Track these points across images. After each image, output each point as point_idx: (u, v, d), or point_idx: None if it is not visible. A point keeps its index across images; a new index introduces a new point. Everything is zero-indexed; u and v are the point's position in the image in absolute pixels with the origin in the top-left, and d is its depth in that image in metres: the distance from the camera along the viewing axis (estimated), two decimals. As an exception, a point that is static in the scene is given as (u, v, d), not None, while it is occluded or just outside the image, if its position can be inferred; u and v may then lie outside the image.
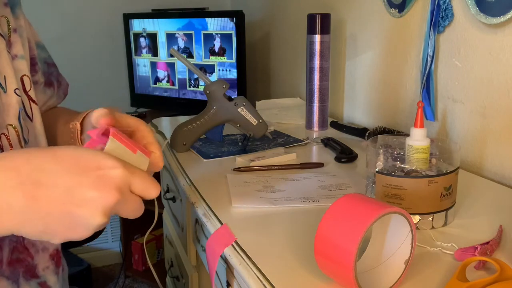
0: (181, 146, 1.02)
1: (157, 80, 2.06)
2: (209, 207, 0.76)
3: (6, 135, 0.58)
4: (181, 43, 1.94)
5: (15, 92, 0.60)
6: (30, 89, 0.64)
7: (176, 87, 2.01)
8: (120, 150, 0.49)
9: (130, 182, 0.45)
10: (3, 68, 0.59)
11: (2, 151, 0.57)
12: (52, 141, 0.71)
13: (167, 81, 2.03)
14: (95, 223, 0.42)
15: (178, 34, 1.94)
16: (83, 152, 0.44)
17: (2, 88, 0.59)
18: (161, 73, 2.03)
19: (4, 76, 0.60)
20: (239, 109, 0.99)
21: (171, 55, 1.96)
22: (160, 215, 1.37)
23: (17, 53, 0.64)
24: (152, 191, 0.46)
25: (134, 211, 0.46)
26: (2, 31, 0.61)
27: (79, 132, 0.64)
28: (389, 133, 1.06)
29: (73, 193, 0.42)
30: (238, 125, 1.01)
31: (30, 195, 0.41)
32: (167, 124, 1.33)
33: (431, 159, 0.70)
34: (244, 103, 1.00)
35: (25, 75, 0.64)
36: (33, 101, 0.65)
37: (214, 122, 1.01)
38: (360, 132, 1.13)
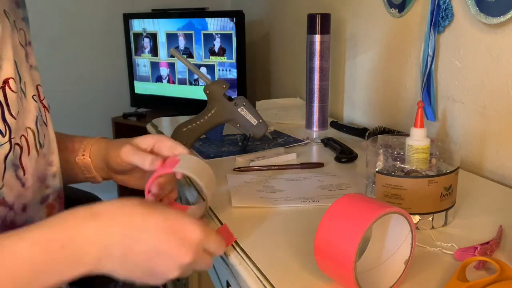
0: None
1: (159, 78, 2.06)
2: (209, 207, 0.76)
3: (25, 137, 0.61)
4: (181, 43, 1.94)
5: (33, 98, 0.64)
6: (43, 98, 0.68)
7: (176, 87, 2.01)
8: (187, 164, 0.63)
9: (205, 244, 0.52)
10: (23, 75, 0.63)
11: (22, 150, 0.60)
12: None
13: (168, 80, 2.03)
14: (169, 277, 0.51)
15: (178, 34, 1.94)
16: (172, 215, 0.52)
17: (23, 93, 0.62)
18: (164, 70, 2.03)
19: (24, 83, 0.63)
20: (239, 109, 0.99)
21: (172, 55, 1.96)
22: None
23: (32, 63, 0.67)
24: (221, 251, 0.56)
25: (205, 266, 0.55)
26: (22, 42, 0.66)
27: (91, 165, 0.74)
28: (389, 133, 1.06)
29: (159, 250, 0.49)
30: (238, 125, 1.01)
31: (127, 247, 0.49)
32: (167, 124, 1.33)
33: (431, 159, 0.70)
34: (244, 103, 1.00)
35: (39, 84, 0.68)
36: (47, 109, 0.68)
37: (214, 122, 1.01)
38: (360, 132, 1.13)
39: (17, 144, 0.59)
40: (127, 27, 2.08)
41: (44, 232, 0.47)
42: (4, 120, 0.57)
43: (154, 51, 2.03)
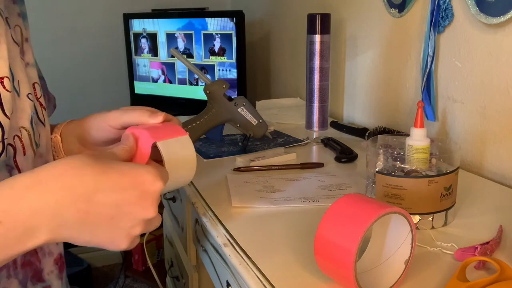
0: None
1: (153, 80, 2.06)
2: (209, 207, 0.76)
3: (19, 137, 0.60)
4: (181, 43, 1.94)
5: (27, 97, 0.62)
6: (41, 96, 0.67)
7: (176, 87, 2.01)
8: (169, 147, 0.55)
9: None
10: (16, 74, 0.62)
11: (15, 153, 0.58)
12: None
13: (164, 81, 2.03)
14: (134, 234, 0.48)
15: (178, 34, 1.94)
16: (128, 169, 0.48)
17: (17, 92, 0.61)
18: (155, 72, 2.03)
19: (18, 81, 0.62)
20: (239, 109, 0.99)
21: (172, 55, 1.96)
22: (160, 215, 1.37)
23: (29, 61, 0.66)
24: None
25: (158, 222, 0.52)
26: (16, 39, 0.64)
27: (60, 144, 0.69)
28: (389, 133, 1.06)
29: (120, 208, 0.46)
30: (238, 125, 1.01)
31: (82, 211, 0.45)
32: (167, 124, 1.33)
33: (431, 159, 0.70)
34: (244, 103, 1.00)
35: (36, 82, 0.66)
36: (44, 108, 0.67)
37: (214, 122, 1.01)
38: (360, 132, 1.13)
39: (10, 144, 0.58)
40: (127, 27, 2.08)
41: None
42: None
43: (154, 51, 2.03)
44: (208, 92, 0.99)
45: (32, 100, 0.63)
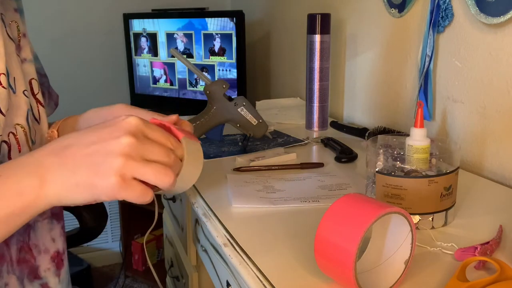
0: None
1: (155, 80, 2.06)
2: (209, 207, 0.76)
3: (14, 134, 0.60)
4: (181, 43, 1.94)
5: (23, 93, 0.62)
6: (38, 92, 0.66)
7: (176, 87, 2.01)
8: (190, 145, 0.55)
9: (147, 130, 0.49)
10: (12, 70, 0.61)
11: (10, 149, 0.58)
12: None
13: (165, 81, 2.03)
14: (115, 165, 0.46)
15: (178, 34, 1.94)
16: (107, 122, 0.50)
17: (12, 88, 0.60)
18: (157, 71, 2.03)
19: (14, 78, 0.61)
20: (239, 109, 0.99)
21: (172, 55, 1.96)
22: (160, 215, 1.37)
23: (26, 57, 0.66)
24: (170, 141, 0.51)
25: (163, 154, 0.49)
26: (12, 35, 0.63)
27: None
28: (389, 133, 1.06)
29: (95, 145, 0.47)
30: (238, 125, 1.01)
31: (60, 155, 0.47)
32: (167, 124, 1.33)
33: (431, 159, 0.70)
34: (244, 103, 1.00)
35: (33, 78, 0.66)
36: (41, 104, 0.67)
37: (214, 122, 1.01)
38: (360, 132, 1.13)
39: (5, 141, 0.58)
40: (127, 27, 2.08)
41: None
42: None
43: (154, 51, 2.03)
44: (208, 92, 0.99)
45: (27, 97, 0.63)
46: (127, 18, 2.07)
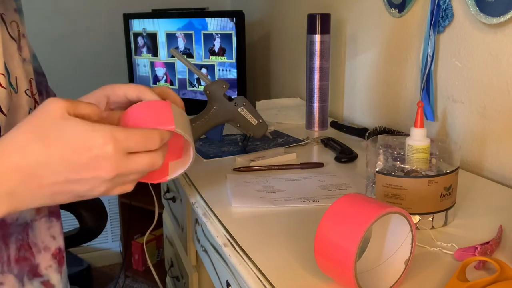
0: None
1: (156, 79, 2.06)
2: (209, 207, 0.76)
3: None
4: (181, 43, 1.94)
5: (25, 93, 0.62)
6: (36, 93, 0.66)
7: (176, 87, 2.01)
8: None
9: (127, 148, 0.46)
10: (14, 69, 0.61)
11: None
12: None
13: (165, 81, 2.03)
14: (99, 194, 0.47)
15: (178, 34, 1.94)
16: (73, 134, 0.45)
17: (13, 88, 0.60)
18: (160, 70, 2.03)
19: (16, 77, 0.61)
20: (239, 109, 0.99)
21: (172, 55, 1.96)
22: (160, 215, 1.37)
23: (25, 57, 0.66)
24: (151, 142, 0.48)
25: (147, 166, 0.48)
26: (13, 35, 0.63)
27: None
28: (389, 133, 1.06)
29: (73, 180, 0.46)
30: (238, 125, 1.01)
31: (34, 188, 0.45)
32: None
33: (431, 159, 0.70)
34: (244, 103, 1.00)
35: (31, 78, 0.66)
36: (38, 104, 0.67)
37: (214, 122, 1.01)
38: (360, 132, 1.13)
39: None
40: (127, 27, 2.07)
41: None
42: None
43: (154, 51, 2.03)
44: (208, 92, 0.99)
45: (29, 96, 0.63)
46: (127, 18, 2.07)
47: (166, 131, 0.51)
